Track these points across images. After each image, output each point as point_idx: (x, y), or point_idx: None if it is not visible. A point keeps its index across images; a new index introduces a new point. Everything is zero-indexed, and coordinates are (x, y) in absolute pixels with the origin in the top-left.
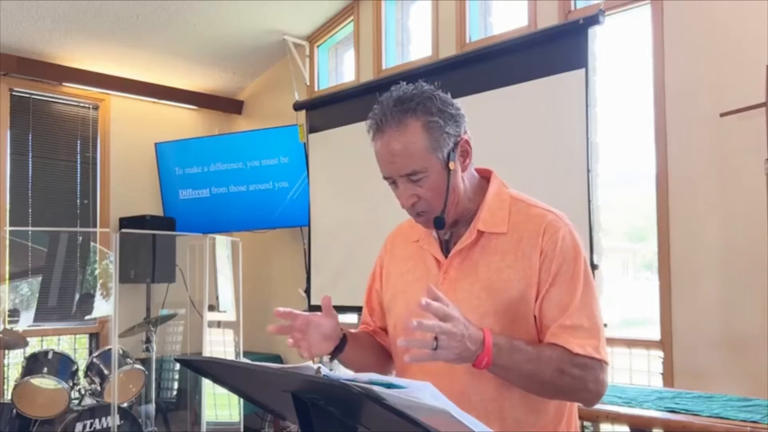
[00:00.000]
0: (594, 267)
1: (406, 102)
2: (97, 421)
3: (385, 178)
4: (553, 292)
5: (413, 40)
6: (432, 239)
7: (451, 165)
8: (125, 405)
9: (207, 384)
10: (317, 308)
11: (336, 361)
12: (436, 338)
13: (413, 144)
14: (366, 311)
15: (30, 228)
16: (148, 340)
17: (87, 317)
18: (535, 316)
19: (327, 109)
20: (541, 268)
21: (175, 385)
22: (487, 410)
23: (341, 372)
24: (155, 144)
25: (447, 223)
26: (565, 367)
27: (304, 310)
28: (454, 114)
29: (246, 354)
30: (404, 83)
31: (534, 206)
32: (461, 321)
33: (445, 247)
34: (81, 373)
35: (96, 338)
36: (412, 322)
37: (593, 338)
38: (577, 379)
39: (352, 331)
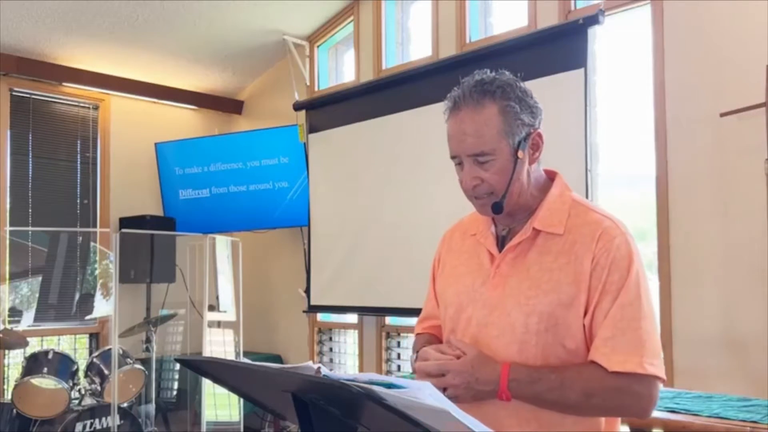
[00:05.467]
0: None
1: (486, 84)
2: (97, 421)
3: (452, 157)
4: (603, 301)
5: (413, 40)
6: (489, 234)
7: (520, 154)
8: (125, 405)
9: (207, 384)
10: (317, 308)
11: (337, 361)
12: (445, 388)
13: (487, 125)
14: (433, 305)
15: (30, 228)
16: (148, 340)
17: (87, 317)
18: (584, 325)
19: (327, 109)
20: (592, 275)
21: (175, 385)
22: (521, 409)
23: (341, 372)
24: (155, 144)
25: (505, 210)
26: (593, 389)
27: (304, 311)
28: (532, 105)
29: (246, 354)
30: (487, 70)
31: (593, 211)
32: (462, 369)
33: (502, 243)
34: (81, 373)
35: (96, 338)
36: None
37: (637, 353)
38: (611, 400)
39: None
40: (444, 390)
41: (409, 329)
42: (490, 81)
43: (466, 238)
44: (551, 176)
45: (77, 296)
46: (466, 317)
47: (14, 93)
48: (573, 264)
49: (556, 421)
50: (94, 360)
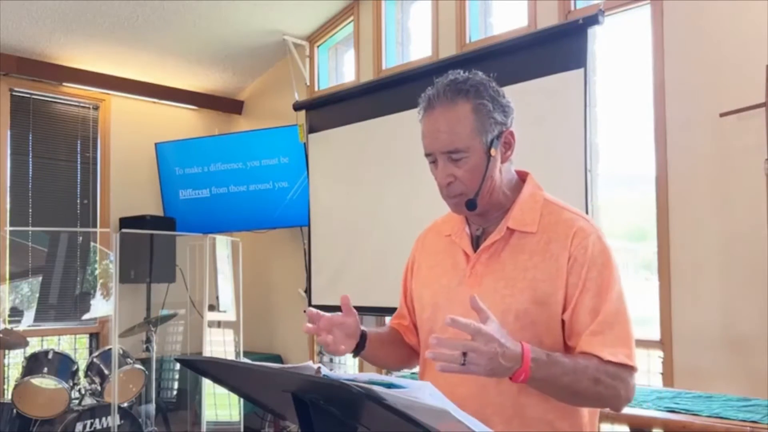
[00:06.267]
0: None
1: (460, 83)
2: (97, 421)
3: (427, 155)
4: (584, 298)
5: (413, 40)
6: (464, 234)
7: (493, 152)
8: (125, 405)
9: (207, 384)
10: (317, 308)
11: (337, 361)
12: (464, 354)
13: (460, 123)
14: (403, 305)
15: (30, 228)
16: (148, 340)
17: (84, 317)
18: (563, 321)
19: (327, 109)
20: (569, 272)
21: (175, 385)
22: (504, 406)
23: (341, 372)
24: (155, 144)
25: (478, 209)
26: (599, 377)
27: (305, 311)
28: (504, 104)
29: (246, 354)
30: (460, 71)
31: (566, 210)
32: (494, 338)
33: (476, 243)
34: (81, 373)
35: (96, 338)
36: (432, 339)
37: (625, 345)
38: (610, 388)
39: (374, 329)
40: (464, 355)
41: None
42: (463, 80)
43: (441, 239)
44: (523, 177)
45: (77, 296)
46: (443, 317)
47: (14, 93)
48: (548, 262)
49: (538, 417)
50: (94, 360)
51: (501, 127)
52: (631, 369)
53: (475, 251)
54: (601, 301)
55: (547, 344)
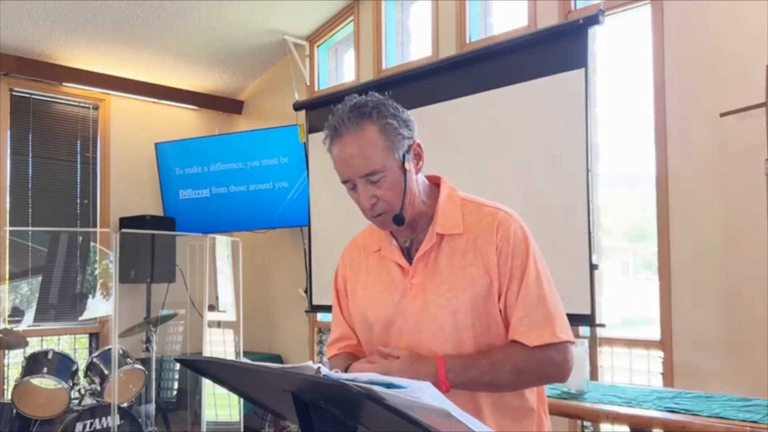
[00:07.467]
0: (594, 267)
1: (362, 107)
2: (97, 421)
3: (344, 182)
4: (512, 286)
5: (413, 40)
6: (393, 247)
7: (407, 165)
8: (125, 405)
9: (207, 384)
10: (318, 308)
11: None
12: None
13: (371, 145)
14: (346, 326)
15: (30, 228)
16: (148, 340)
17: (84, 317)
18: (500, 311)
19: (327, 109)
20: (498, 263)
21: (175, 385)
22: (462, 394)
23: (341, 372)
24: (155, 144)
25: (406, 221)
26: (521, 365)
27: (306, 311)
28: (406, 119)
29: (246, 354)
30: (356, 95)
31: (485, 205)
32: (402, 369)
33: (407, 254)
34: (81, 373)
35: (96, 338)
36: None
37: (549, 325)
38: (537, 372)
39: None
40: None
41: None
42: (363, 104)
43: (369, 256)
44: (436, 181)
45: (77, 296)
46: (396, 330)
47: (14, 93)
48: (480, 258)
49: (492, 401)
50: (94, 360)
51: (409, 141)
52: (557, 345)
53: (409, 262)
54: (524, 288)
55: (495, 334)
